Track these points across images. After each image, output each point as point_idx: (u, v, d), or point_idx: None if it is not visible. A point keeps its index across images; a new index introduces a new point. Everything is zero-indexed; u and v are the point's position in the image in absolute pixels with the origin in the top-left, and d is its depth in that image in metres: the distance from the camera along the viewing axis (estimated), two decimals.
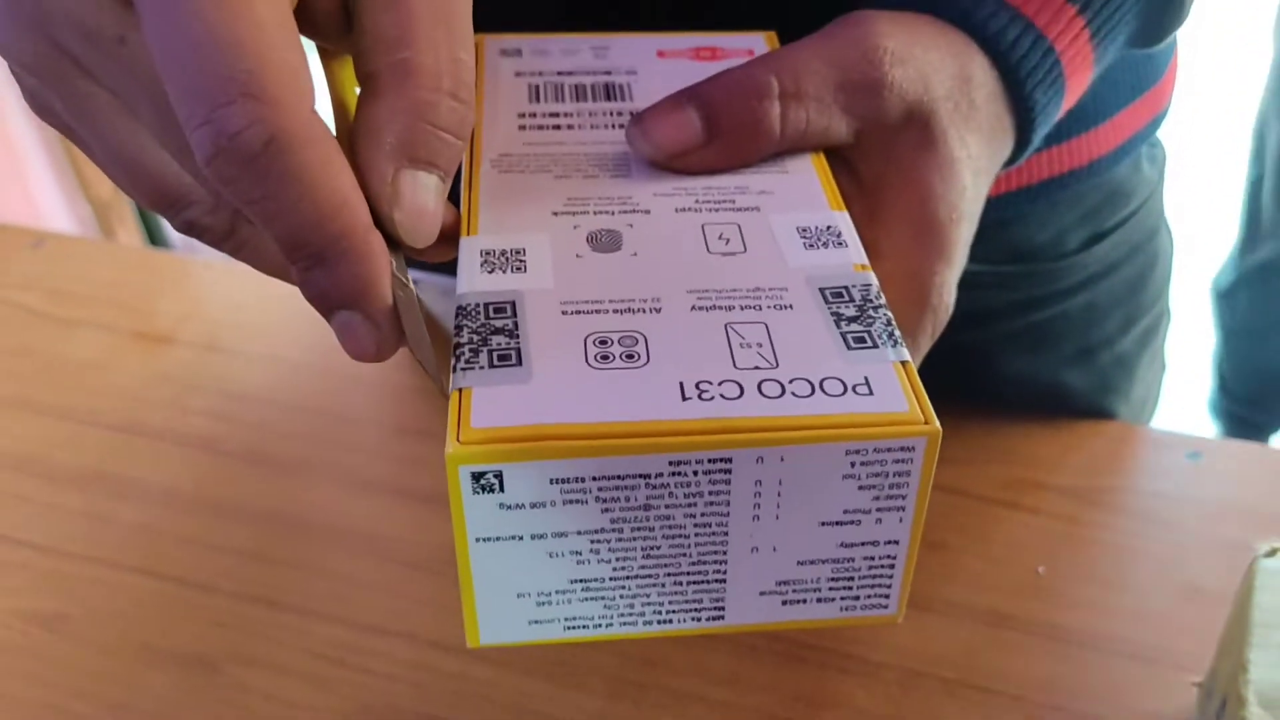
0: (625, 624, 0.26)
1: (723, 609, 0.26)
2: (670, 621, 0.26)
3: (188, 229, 0.26)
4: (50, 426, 0.58)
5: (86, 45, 0.23)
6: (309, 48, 0.25)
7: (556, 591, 0.25)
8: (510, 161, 0.31)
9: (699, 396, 0.23)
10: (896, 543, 0.25)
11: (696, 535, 0.24)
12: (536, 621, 0.25)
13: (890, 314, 0.26)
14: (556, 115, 0.33)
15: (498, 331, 0.25)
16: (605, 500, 0.24)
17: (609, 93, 0.34)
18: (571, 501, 0.23)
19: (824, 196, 0.30)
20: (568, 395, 0.23)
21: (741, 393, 0.24)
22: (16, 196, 1.48)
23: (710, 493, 0.24)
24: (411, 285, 0.25)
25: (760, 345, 0.25)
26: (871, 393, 0.24)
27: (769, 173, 0.31)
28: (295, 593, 0.49)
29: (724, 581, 0.25)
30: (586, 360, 0.24)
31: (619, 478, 0.23)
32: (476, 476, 0.23)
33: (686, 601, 0.26)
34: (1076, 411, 0.54)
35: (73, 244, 0.73)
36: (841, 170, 0.32)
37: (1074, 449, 0.52)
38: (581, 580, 0.25)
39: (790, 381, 0.24)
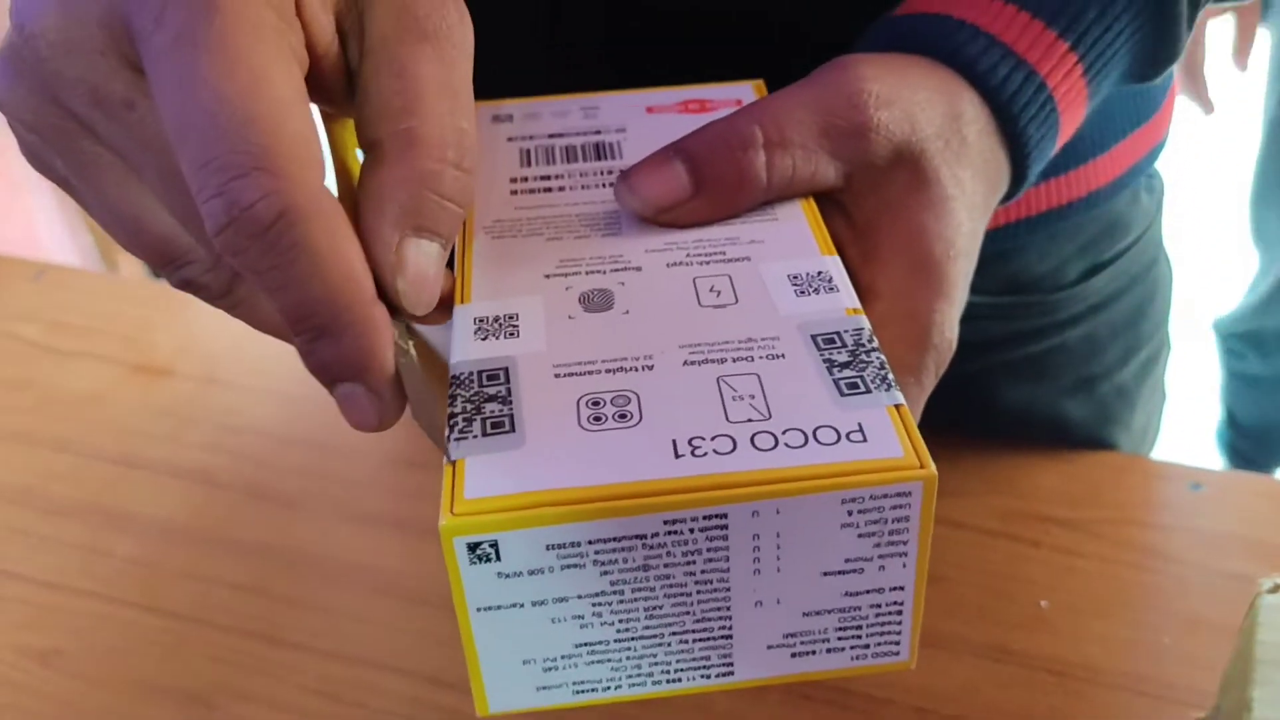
0: (634, 685, 0.25)
1: (731, 665, 0.25)
2: (679, 680, 0.26)
3: (184, 286, 0.26)
4: (48, 459, 0.58)
5: (94, 108, 0.23)
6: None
7: (562, 656, 0.25)
8: (503, 227, 0.31)
9: (692, 453, 0.23)
10: (902, 588, 0.25)
11: (698, 592, 0.24)
12: (544, 687, 0.25)
13: (884, 357, 0.26)
14: (548, 178, 0.33)
15: (491, 399, 0.25)
16: (603, 563, 0.23)
17: (599, 152, 0.34)
18: (569, 566, 0.23)
19: (814, 242, 0.30)
20: (561, 459, 0.23)
21: (734, 447, 0.23)
22: (18, 228, 1.49)
23: (708, 549, 0.24)
24: (412, 351, 0.25)
25: (753, 397, 0.25)
26: (865, 439, 0.24)
27: (759, 221, 0.31)
28: (292, 627, 0.48)
29: (730, 637, 0.25)
30: (579, 422, 0.24)
31: (615, 540, 0.23)
32: (472, 547, 0.23)
33: (694, 659, 0.25)
34: (1077, 443, 0.54)
35: (73, 276, 0.73)
36: (834, 213, 0.32)
37: (1075, 480, 0.52)
38: (586, 644, 0.25)
39: (783, 432, 0.24)
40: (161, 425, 0.59)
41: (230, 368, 0.63)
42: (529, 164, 0.34)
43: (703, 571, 0.24)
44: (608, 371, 0.26)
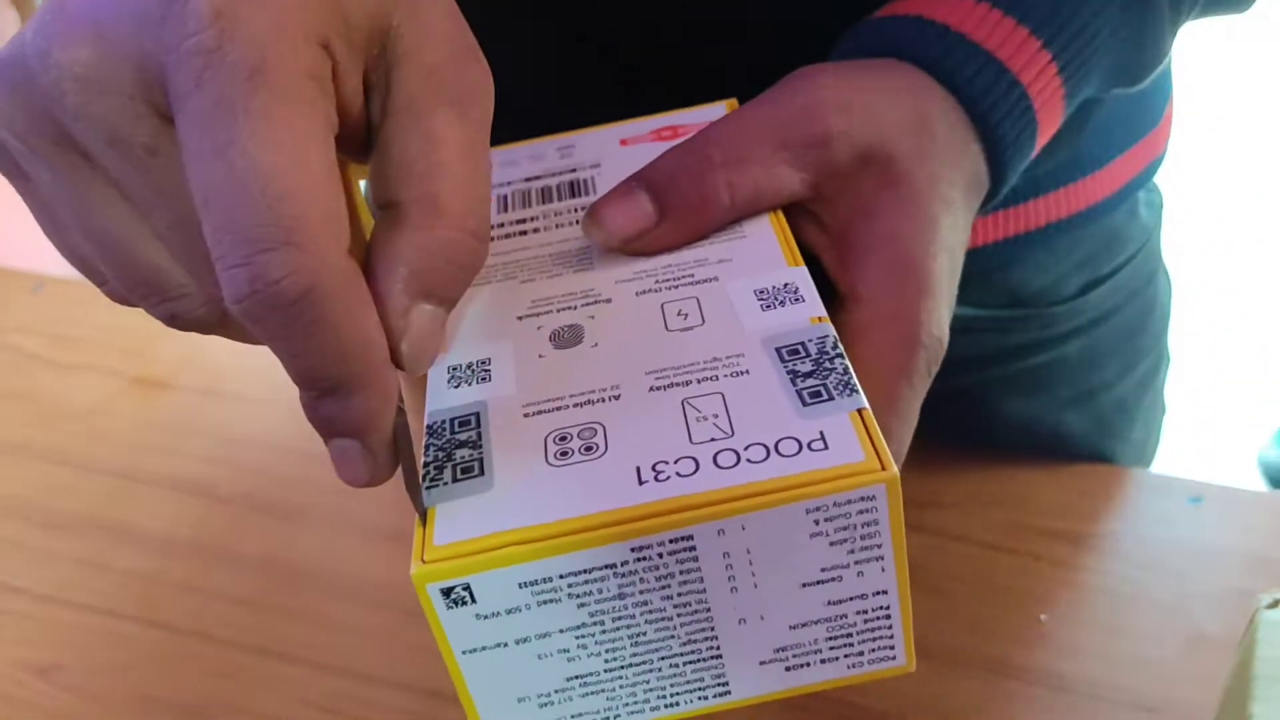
0: (632, 713, 0.25)
1: (727, 684, 0.25)
2: (677, 704, 0.25)
3: (169, 319, 0.26)
4: (48, 472, 0.58)
5: (109, 147, 0.23)
6: None
7: (555, 691, 0.25)
8: (478, 274, 0.31)
9: (655, 478, 0.23)
10: (885, 592, 0.25)
11: (679, 616, 0.24)
12: None
13: (848, 363, 0.26)
14: (523, 221, 0.33)
15: (461, 445, 0.25)
16: (579, 596, 0.23)
17: (573, 190, 0.34)
18: (546, 602, 0.23)
19: (781, 255, 0.30)
20: (527, 497, 0.23)
21: (697, 468, 0.23)
22: (17, 240, 1.49)
23: (681, 572, 0.24)
24: (403, 409, 0.25)
25: (716, 416, 0.25)
26: (827, 446, 0.23)
27: (727, 240, 0.31)
28: (292, 641, 0.48)
29: (720, 657, 0.25)
30: (546, 459, 0.24)
31: (586, 571, 0.23)
32: (446, 592, 0.23)
33: (688, 682, 0.25)
34: (1076, 456, 0.54)
35: (72, 288, 0.73)
36: (808, 223, 0.32)
37: (1074, 493, 0.52)
38: (577, 677, 0.25)
39: (745, 448, 0.24)
40: (161, 438, 0.59)
41: (230, 380, 0.63)
42: (506, 210, 0.34)
43: (679, 595, 0.24)
44: (575, 406, 0.26)
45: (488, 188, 0.25)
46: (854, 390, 0.25)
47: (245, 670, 0.47)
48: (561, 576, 0.23)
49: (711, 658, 0.25)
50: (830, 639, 0.25)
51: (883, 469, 0.23)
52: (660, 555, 0.23)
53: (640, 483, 0.23)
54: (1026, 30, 0.33)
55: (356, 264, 0.23)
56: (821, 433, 0.24)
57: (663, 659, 0.25)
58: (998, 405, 0.54)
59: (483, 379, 0.27)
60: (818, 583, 0.24)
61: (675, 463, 0.24)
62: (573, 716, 0.25)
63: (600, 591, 0.23)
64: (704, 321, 0.28)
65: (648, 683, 0.25)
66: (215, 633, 0.49)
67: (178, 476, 0.57)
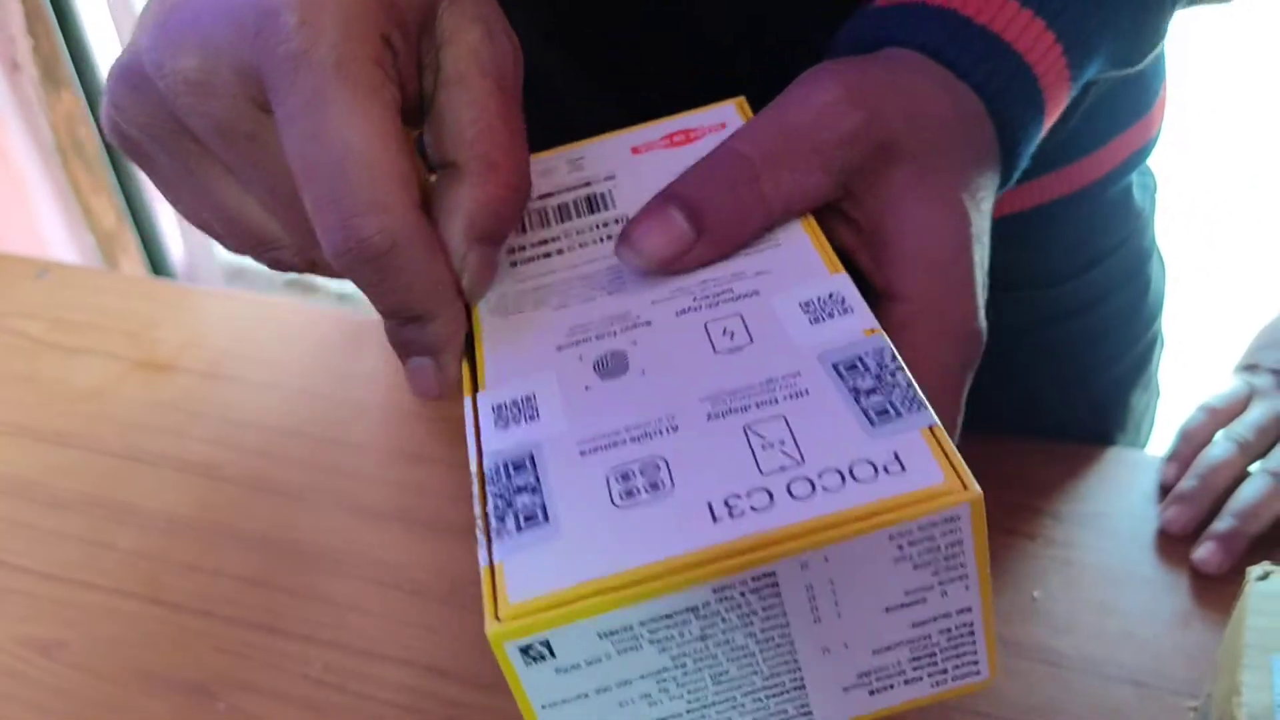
0: None
1: (810, 713, 0.25)
2: None
3: (274, 265, 0.31)
4: (52, 453, 0.58)
5: (216, 135, 0.27)
6: None
7: None
8: (508, 302, 0.31)
9: (729, 514, 0.23)
10: (969, 609, 0.24)
11: (762, 651, 0.24)
12: None
13: (909, 375, 0.25)
14: (545, 242, 0.33)
15: (521, 490, 0.25)
16: (660, 641, 0.23)
17: (591, 205, 0.33)
18: (626, 650, 0.23)
19: (820, 261, 0.29)
20: (598, 544, 0.23)
21: (771, 500, 0.23)
22: (22, 227, 1.49)
23: (763, 609, 0.23)
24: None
25: (783, 443, 0.24)
26: (904, 469, 0.23)
27: (762, 250, 0.30)
28: (295, 619, 0.49)
29: (803, 688, 0.24)
30: (612, 500, 0.24)
31: (668, 617, 0.23)
32: (525, 650, 0.22)
33: (771, 715, 0.25)
34: (1071, 437, 0.54)
35: (76, 273, 0.73)
36: (839, 224, 0.31)
37: (1069, 474, 0.52)
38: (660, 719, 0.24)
39: (819, 475, 0.23)
40: (165, 420, 0.60)
41: (234, 363, 0.63)
42: (524, 230, 0.33)
43: (762, 631, 0.23)
44: (632, 440, 0.25)
45: (526, 146, 0.29)
46: (921, 405, 0.24)
47: (247, 647, 0.48)
48: (642, 624, 0.23)
49: (795, 689, 0.25)
50: (914, 660, 0.25)
51: (964, 488, 0.23)
52: (743, 594, 0.23)
53: (714, 520, 0.23)
54: (1030, 12, 0.33)
55: (426, 217, 0.27)
56: (895, 454, 0.23)
57: (746, 694, 0.24)
58: (992, 387, 0.54)
59: (530, 417, 0.27)
60: (902, 606, 0.24)
61: (748, 495, 0.23)
62: None
63: (682, 635, 0.23)
64: (752, 340, 0.27)
65: (730, 718, 0.25)
66: (218, 610, 0.49)
67: (181, 458, 0.57)
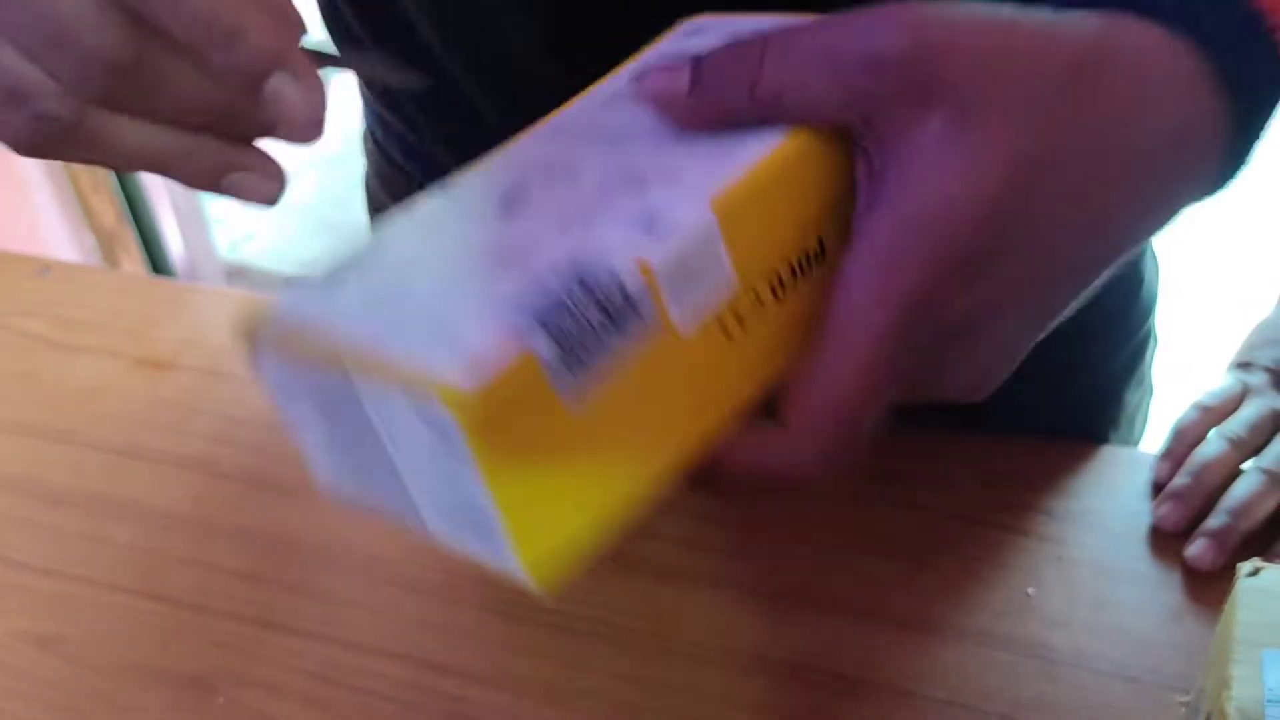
0: None
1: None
2: None
3: (37, 122, 0.28)
4: (52, 450, 0.58)
5: None
6: None
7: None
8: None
9: None
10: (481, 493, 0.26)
11: None
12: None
13: (622, 340, 0.26)
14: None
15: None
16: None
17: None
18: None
19: (724, 188, 0.28)
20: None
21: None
22: (22, 225, 1.50)
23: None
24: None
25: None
26: (468, 355, 0.24)
27: (713, 147, 0.29)
28: (293, 614, 0.49)
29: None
30: None
31: None
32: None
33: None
34: (1064, 434, 0.54)
35: (77, 271, 0.74)
36: (860, 161, 0.29)
37: (1062, 471, 0.53)
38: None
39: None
40: (164, 417, 0.60)
41: (232, 360, 0.63)
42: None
43: None
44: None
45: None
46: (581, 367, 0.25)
47: (245, 641, 0.48)
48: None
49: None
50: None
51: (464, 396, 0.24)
52: None
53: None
54: None
55: None
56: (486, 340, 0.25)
57: None
58: None
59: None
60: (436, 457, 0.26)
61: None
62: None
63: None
64: (585, 212, 0.28)
65: None
66: (216, 605, 0.50)
67: (180, 454, 0.58)
